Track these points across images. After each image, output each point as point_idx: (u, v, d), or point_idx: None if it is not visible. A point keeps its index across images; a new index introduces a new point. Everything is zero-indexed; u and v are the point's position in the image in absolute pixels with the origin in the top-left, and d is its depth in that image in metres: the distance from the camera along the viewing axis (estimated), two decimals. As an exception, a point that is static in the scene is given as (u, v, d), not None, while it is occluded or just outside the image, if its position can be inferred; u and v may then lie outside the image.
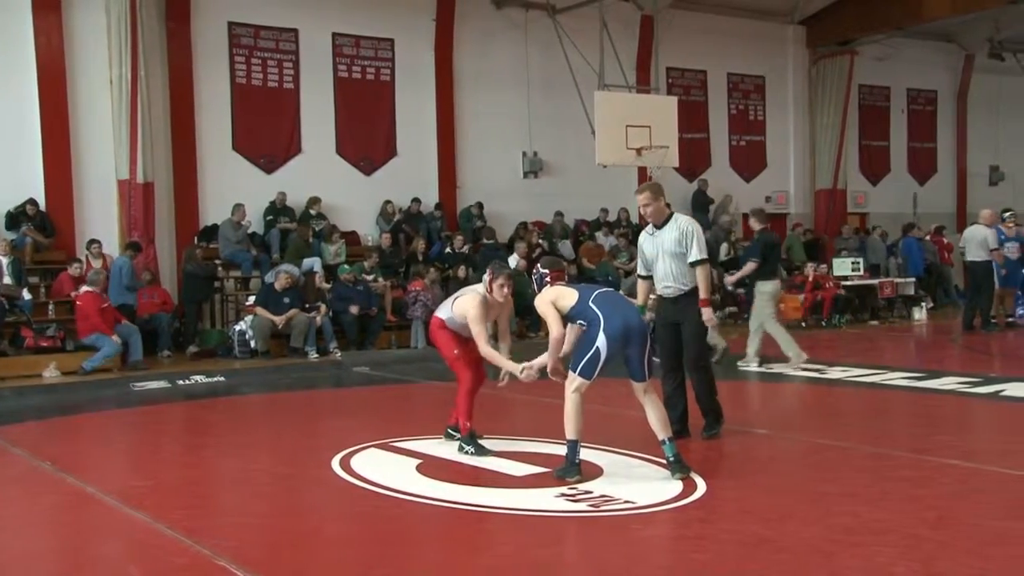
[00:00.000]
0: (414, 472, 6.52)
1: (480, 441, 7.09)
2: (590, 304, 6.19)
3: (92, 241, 14.30)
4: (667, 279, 7.35)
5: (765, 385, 10.65)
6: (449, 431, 7.38)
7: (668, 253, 7.28)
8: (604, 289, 6.59)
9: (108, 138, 14.86)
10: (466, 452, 6.95)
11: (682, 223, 7.32)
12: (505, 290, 7.04)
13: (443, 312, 7.27)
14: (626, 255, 18.23)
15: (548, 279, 6.64)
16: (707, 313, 7.23)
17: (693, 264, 7.23)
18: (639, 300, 7.52)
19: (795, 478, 6.62)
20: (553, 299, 6.36)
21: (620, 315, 6.18)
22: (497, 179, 18.76)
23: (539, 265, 6.85)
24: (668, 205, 7.45)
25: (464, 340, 7.17)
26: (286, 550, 5.06)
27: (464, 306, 7.03)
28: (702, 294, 7.23)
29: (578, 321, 6.28)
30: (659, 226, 7.35)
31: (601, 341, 6.07)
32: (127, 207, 14.85)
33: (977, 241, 15.23)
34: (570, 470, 6.14)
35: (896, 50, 23.38)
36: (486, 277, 7.12)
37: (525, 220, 18.29)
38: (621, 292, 13.13)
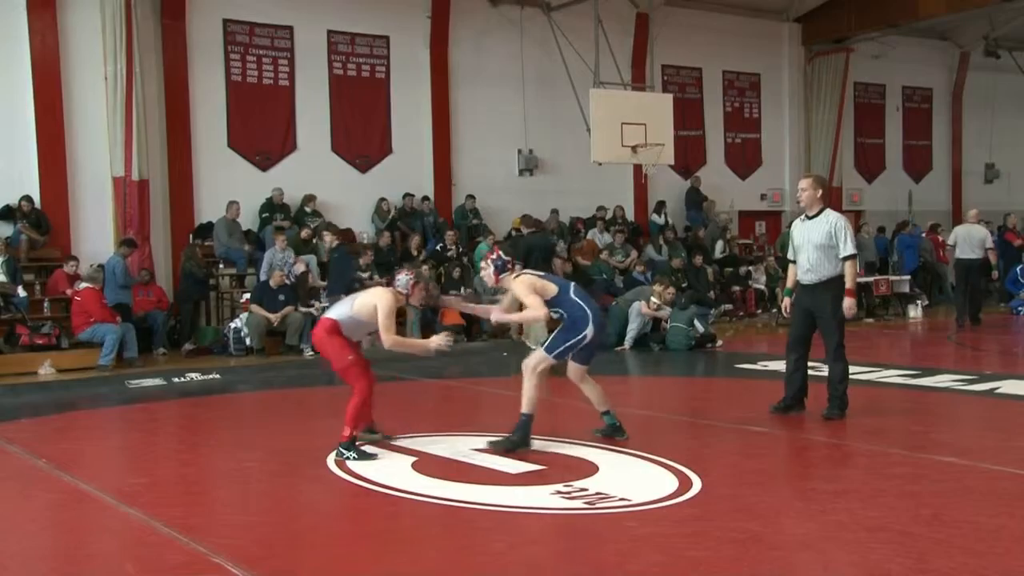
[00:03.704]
0: (409, 469, 6.52)
1: (364, 447, 6.92)
2: (572, 297, 6.86)
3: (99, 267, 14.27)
4: (806, 266, 7.87)
5: (760, 383, 10.64)
6: (369, 431, 7.25)
7: (814, 244, 7.78)
8: (574, 284, 7.16)
9: (103, 135, 14.86)
10: (347, 458, 6.68)
11: (833, 218, 7.84)
12: (424, 293, 7.07)
13: (338, 312, 7.01)
14: (621, 252, 18.24)
15: (510, 265, 7.04)
16: (849, 302, 7.75)
17: (845, 259, 7.72)
18: (788, 283, 8.30)
19: (790, 475, 6.64)
20: (539, 289, 6.82)
21: (598, 311, 6.93)
22: (492, 177, 18.77)
23: (500, 252, 7.13)
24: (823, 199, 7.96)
25: (356, 345, 7.04)
26: (281, 547, 5.06)
27: (373, 299, 6.87)
28: (848, 284, 7.76)
29: (554, 310, 6.85)
30: (811, 216, 7.89)
31: (589, 331, 6.81)
32: (122, 204, 14.84)
33: (978, 239, 15.76)
34: (522, 442, 6.87)
35: (891, 48, 23.42)
36: (407, 278, 6.99)
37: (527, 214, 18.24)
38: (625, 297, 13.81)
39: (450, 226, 17.64)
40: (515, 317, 7.24)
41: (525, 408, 6.90)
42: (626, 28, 19.95)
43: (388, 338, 6.82)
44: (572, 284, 7.14)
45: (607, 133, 16.69)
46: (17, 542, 5.37)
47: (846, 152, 23.75)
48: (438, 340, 6.98)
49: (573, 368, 7.07)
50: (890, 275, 19.58)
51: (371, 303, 6.87)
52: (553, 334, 6.98)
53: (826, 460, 6.89)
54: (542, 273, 7.19)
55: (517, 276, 6.99)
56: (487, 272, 7.10)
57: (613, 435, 7.16)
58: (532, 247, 14.10)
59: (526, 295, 6.80)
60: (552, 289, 6.88)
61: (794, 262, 8.12)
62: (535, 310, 6.76)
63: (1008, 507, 5.38)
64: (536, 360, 6.93)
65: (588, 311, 6.84)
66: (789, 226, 8.72)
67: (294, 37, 16.97)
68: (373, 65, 17.79)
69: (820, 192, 7.91)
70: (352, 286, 12.98)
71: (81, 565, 5.03)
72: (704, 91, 21.81)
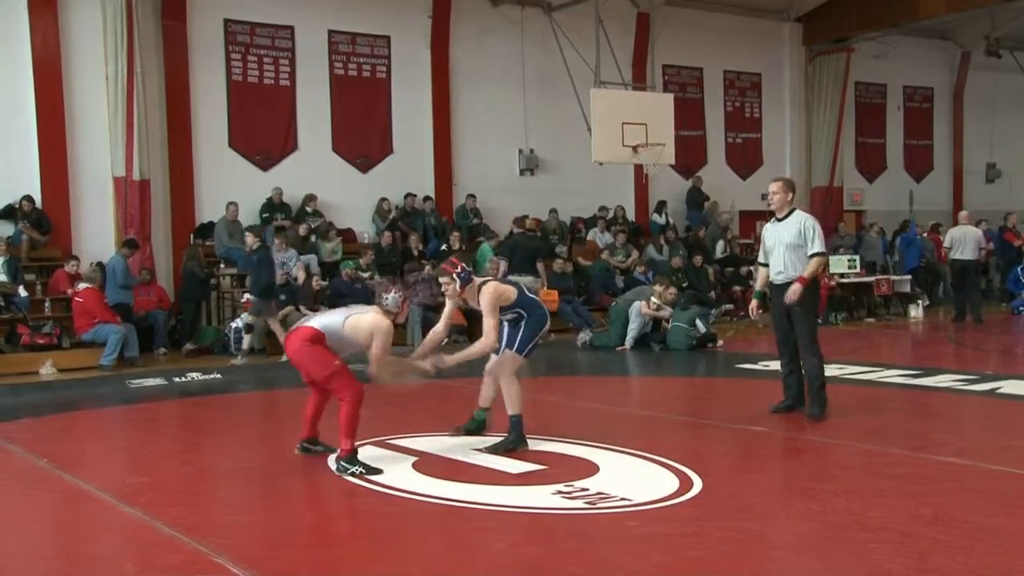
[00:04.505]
0: (410, 469, 6.52)
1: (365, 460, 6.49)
2: (529, 295, 7.11)
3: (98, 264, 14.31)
4: (780, 267, 8.03)
5: (761, 382, 10.64)
6: (306, 445, 6.90)
7: (786, 244, 7.96)
8: (521, 282, 7.57)
9: (104, 135, 14.86)
10: (351, 473, 6.31)
11: (802, 219, 8.02)
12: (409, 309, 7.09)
13: (322, 323, 6.65)
14: (622, 252, 18.24)
15: (472, 276, 7.02)
16: (796, 287, 7.83)
17: (812, 256, 7.90)
18: (758, 285, 8.52)
19: (790, 475, 6.64)
20: (505, 296, 6.90)
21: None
22: (493, 176, 18.77)
23: (463, 264, 7.00)
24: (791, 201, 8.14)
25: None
26: (283, 547, 5.07)
27: (371, 326, 6.52)
28: (805, 274, 7.88)
29: (514, 311, 6.95)
30: (781, 218, 8.08)
31: (547, 325, 7.18)
32: (123, 204, 14.84)
33: (974, 239, 16.34)
34: (519, 442, 6.96)
35: (892, 47, 23.41)
36: (396, 297, 6.64)
37: (525, 215, 18.30)
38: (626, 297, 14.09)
39: (452, 225, 17.65)
40: (463, 356, 7.01)
41: (512, 410, 6.99)
42: (627, 28, 19.95)
43: (377, 368, 6.56)
44: (520, 282, 7.44)
45: (608, 133, 16.68)
46: (18, 542, 5.37)
47: (847, 152, 23.73)
48: (430, 360, 6.86)
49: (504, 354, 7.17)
50: (891, 275, 19.58)
51: (366, 329, 6.50)
52: (520, 334, 7.02)
53: (826, 460, 6.88)
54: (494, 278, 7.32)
55: (483, 284, 6.95)
56: (452, 287, 6.90)
57: (477, 431, 7.44)
58: (516, 247, 14.45)
59: (488, 314, 6.79)
60: (513, 293, 7.00)
61: (765, 264, 8.28)
62: (485, 340, 6.79)
63: (1008, 507, 5.39)
64: (509, 363, 7.02)
65: (543, 307, 7.26)
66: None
67: (295, 37, 16.97)
68: (374, 65, 17.80)
69: (790, 195, 8.09)
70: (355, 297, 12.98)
71: (82, 565, 5.04)
72: (705, 91, 21.80)
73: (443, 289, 7.08)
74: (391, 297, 6.62)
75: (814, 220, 8.08)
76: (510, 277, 13.93)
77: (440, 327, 7.28)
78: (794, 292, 7.83)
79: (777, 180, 8.25)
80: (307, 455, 6.89)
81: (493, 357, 7.15)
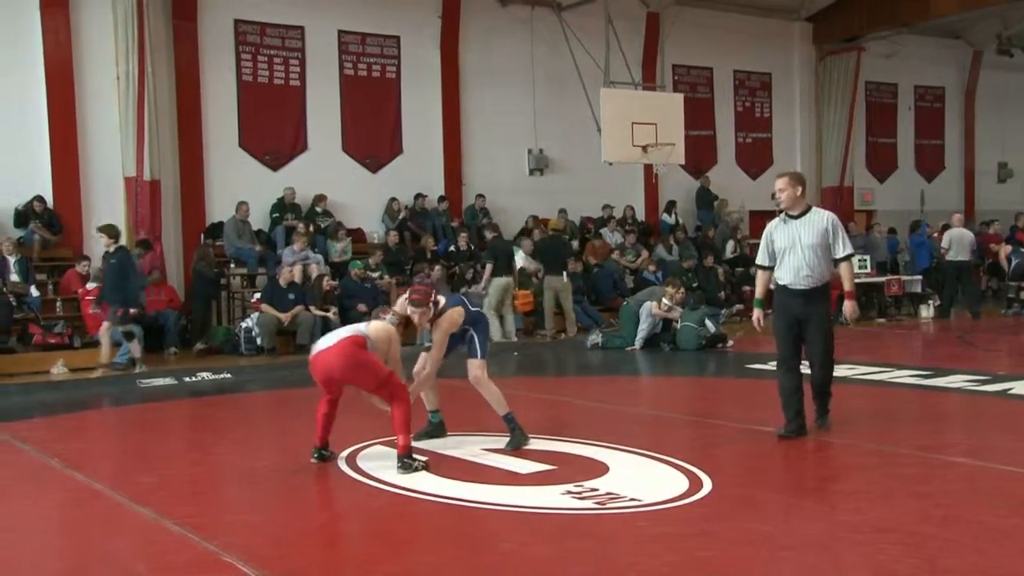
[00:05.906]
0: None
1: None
2: (472, 308, 7.32)
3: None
4: (803, 270, 7.19)
5: (770, 383, 10.61)
6: (322, 452, 6.82)
7: (807, 245, 7.17)
8: (459, 295, 8.08)
9: (115, 135, 14.92)
10: (415, 469, 6.38)
11: (827, 216, 7.30)
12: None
13: (356, 330, 6.81)
14: (632, 252, 18.23)
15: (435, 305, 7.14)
16: (851, 306, 7.34)
17: (841, 259, 7.26)
18: (759, 292, 7.62)
19: (800, 475, 6.63)
20: (457, 322, 7.10)
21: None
22: (503, 176, 18.78)
23: (436, 296, 7.14)
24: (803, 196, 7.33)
25: None
26: (292, 547, 5.08)
27: (387, 334, 6.83)
28: (847, 287, 7.34)
29: (465, 327, 7.17)
30: (794, 216, 7.27)
31: (492, 327, 7.58)
32: (134, 204, 14.90)
33: (969, 241, 17.19)
34: (523, 437, 7.14)
35: (903, 47, 23.34)
36: (394, 318, 7.12)
37: (533, 215, 18.32)
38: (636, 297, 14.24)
39: (461, 225, 17.66)
40: (425, 378, 7.25)
41: (502, 410, 7.18)
42: (636, 27, 19.93)
43: (400, 373, 6.86)
44: (460, 297, 7.66)
45: (618, 133, 16.68)
46: (30, 540, 5.40)
47: (858, 152, 23.67)
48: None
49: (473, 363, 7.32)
50: (902, 275, 19.53)
51: (386, 336, 6.80)
52: (476, 341, 7.22)
53: (836, 460, 6.87)
54: (442, 300, 7.27)
55: (440, 315, 7.04)
56: (429, 314, 7.00)
57: (437, 434, 7.55)
58: (497, 252, 15.01)
59: (438, 345, 7.06)
60: (461, 315, 7.15)
61: (768, 268, 7.43)
62: (433, 365, 7.14)
63: (1019, 508, 5.36)
64: (481, 371, 7.18)
65: (484, 314, 7.66)
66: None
67: (305, 37, 17.00)
68: (384, 65, 17.82)
69: (800, 190, 7.23)
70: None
71: (92, 564, 5.05)
72: (715, 91, 21.78)
73: (415, 316, 7.02)
74: (390, 318, 7.19)
75: (836, 218, 7.36)
76: (495, 280, 14.72)
77: (421, 367, 7.26)
78: (853, 312, 7.35)
79: (783, 175, 7.35)
80: (322, 462, 6.84)
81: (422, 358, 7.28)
